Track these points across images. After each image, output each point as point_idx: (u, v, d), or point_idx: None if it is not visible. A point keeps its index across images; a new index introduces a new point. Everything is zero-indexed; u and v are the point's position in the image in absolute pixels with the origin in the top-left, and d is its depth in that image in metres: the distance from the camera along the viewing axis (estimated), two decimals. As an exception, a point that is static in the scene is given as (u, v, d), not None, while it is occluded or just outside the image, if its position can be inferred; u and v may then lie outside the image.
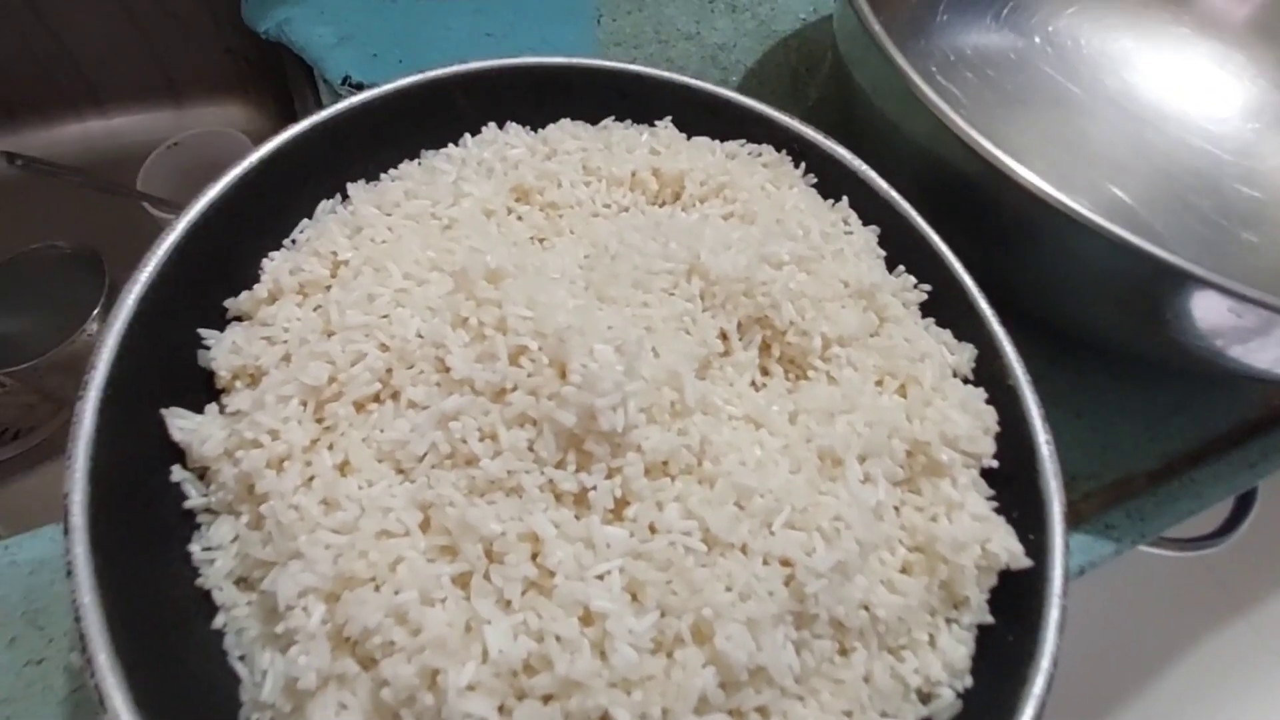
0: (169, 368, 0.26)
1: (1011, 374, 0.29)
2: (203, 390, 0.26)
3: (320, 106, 0.48)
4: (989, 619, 0.25)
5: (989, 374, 0.30)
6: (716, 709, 0.20)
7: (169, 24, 0.61)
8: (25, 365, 0.47)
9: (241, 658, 0.22)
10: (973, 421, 0.27)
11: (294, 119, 0.31)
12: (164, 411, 0.24)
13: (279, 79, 0.62)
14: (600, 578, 0.21)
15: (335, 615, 0.21)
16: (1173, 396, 0.41)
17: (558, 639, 0.20)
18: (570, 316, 0.23)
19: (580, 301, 0.24)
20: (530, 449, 0.22)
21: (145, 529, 0.23)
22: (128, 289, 0.25)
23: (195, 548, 0.23)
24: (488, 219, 0.29)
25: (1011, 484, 0.27)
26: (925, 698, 0.24)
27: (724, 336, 0.27)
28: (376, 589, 0.21)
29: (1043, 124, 0.50)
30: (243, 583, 0.23)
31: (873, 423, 0.26)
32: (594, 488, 0.22)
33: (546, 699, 0.20)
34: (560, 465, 0.22)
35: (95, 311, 0.50)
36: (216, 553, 0.23)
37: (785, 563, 0.22)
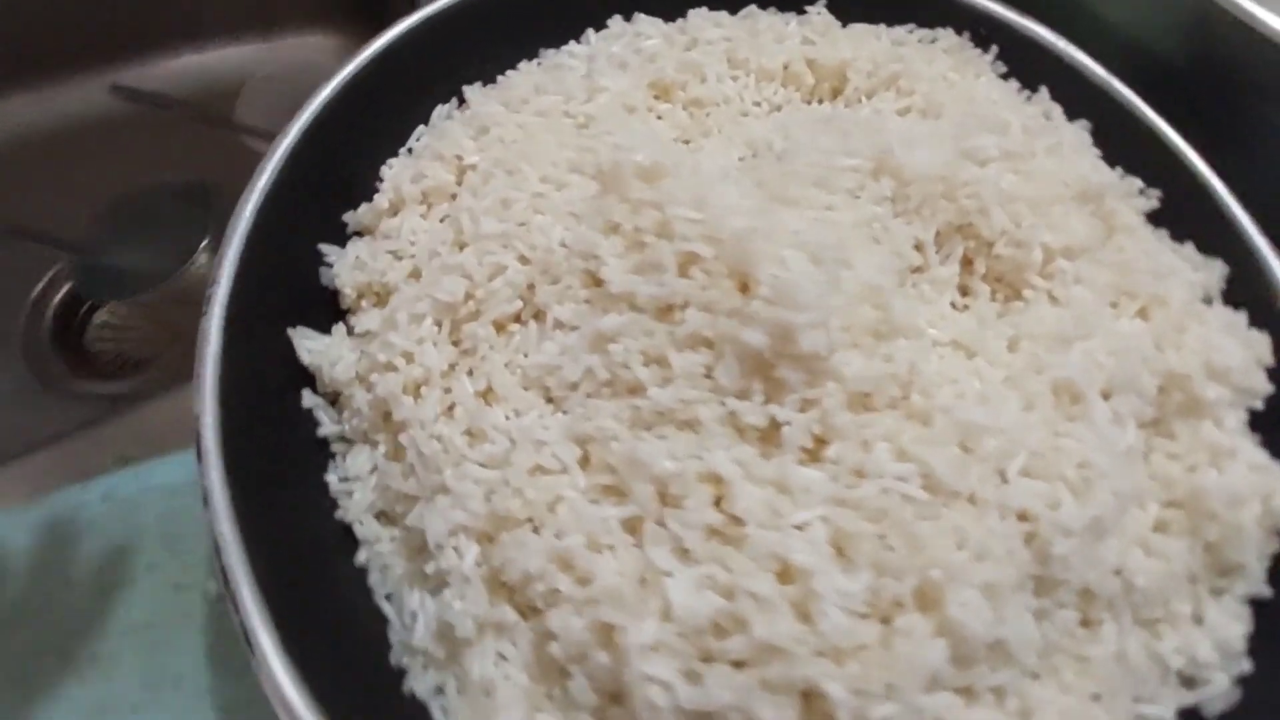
0: (291, 286, 0.23)
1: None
2: (328, 310, 0.24)
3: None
4: (1266, 590, 0.20)
5: (1247, 296, 0.24)
6: (944, 686, 0.17)
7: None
8: (140, 297, 0.48)
9: (388, 596, 0.20)
10: (1244, 351, 0.21)
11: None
12: (291, 331, 0.22)
13: (371, 7, 0.60)
14: (799, 528, 0.17)
15: (491, 557, 0.18)
16: None
17: (751, 596, 0.16)
18: (748, 218, 0.19)
19: (755, 202, 0.20)
20: (707, 375, 0.18)
21: (279, 457, 0.21)
22: (244, 200, 0.23)
23: (332, 478, 0.21)
24: (629, 115, 0.25)
25: (1282, 429, 0.22)
26: (1189, 681, 0.19)
27: (919, 248, 0.22)
28: (535, 530, 0.18)
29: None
30: (384, 517, 0.21)
31: (1117, 351, 0.21)
32: (787, 422, 0.18)
33: (739, 664, 0.17)
34: (744, 395, 0.18)
35: (205, 242, 0.50)
36: (354, 484, 0.21)
37: (1024, 517, 0.18)
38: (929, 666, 0.16)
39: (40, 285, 0.52)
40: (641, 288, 0.19)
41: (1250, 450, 0.21)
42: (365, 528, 0.21)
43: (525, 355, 0.21)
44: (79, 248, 0.50)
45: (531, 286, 0.21)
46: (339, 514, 0.21)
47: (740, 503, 0.17)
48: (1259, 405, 0.22)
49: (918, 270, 0.22)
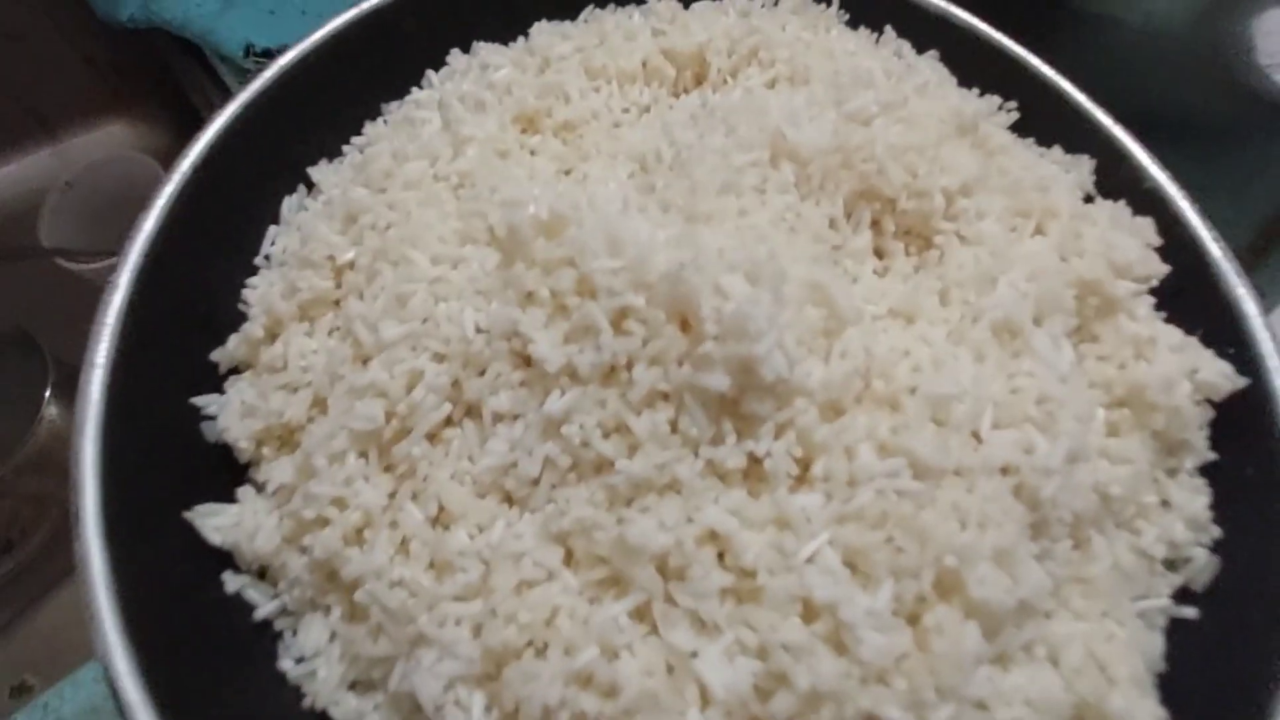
0: (172, 458, 0.20)
1: (1146, 175, 0.25)
2: (225, 470, 0.21)
3: (225, 92, 0.40)
4: (1212, 456, 0.22)
5: (1118, 183, 0.25)
6: (982, 662, 0.17)
7: (12, 49, 0.50)
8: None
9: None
10: (1136, 241, 0.23)
11: (192, 121, 0.24)
12: (189, 515, 0.19)
13: (161, 78, 0.53)
14: (810, 560, 0.16)
15: (501, 700, 0.16)
16: (1242, 167, 0.37)
17: (785, 648, 0.16)
18: (670, 251, 0.17)
19: (671, 230, 0.18)
20: (674, 431, 0.17)
21: (215, 662, 0.18)
22: (85, 378, 0.19)
23: (287, 663, 0.19)
24: (504, 161, 0.23)
25: (1181, 298, 0.23)
26: (1173, 565, 0.21)
27: (833, 225, 0.22)
28: (540, 654, 0.17)
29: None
30: (360, 686, 0.19)
31: (1033, 274, 0.21)
32: (767, 454, 0.17)
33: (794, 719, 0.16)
34: (716, 440, 0.17)
35: (46, 394, 0.44)
36: (315, 661, 0.19)
37: (1006, 470, 0.18)
38: (970, 653, 0.16)
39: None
40: (579, 357, 0.17)
41: (1166, 332, 0.22)
42: (341, 708, 0.18)
43: (471, 460, 0.18)
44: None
45: (457, 384, 0.19)
46: (306, 701, 0.18)
47: (746, 554, 0.16)
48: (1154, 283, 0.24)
49: (836, 247, 0.22)
